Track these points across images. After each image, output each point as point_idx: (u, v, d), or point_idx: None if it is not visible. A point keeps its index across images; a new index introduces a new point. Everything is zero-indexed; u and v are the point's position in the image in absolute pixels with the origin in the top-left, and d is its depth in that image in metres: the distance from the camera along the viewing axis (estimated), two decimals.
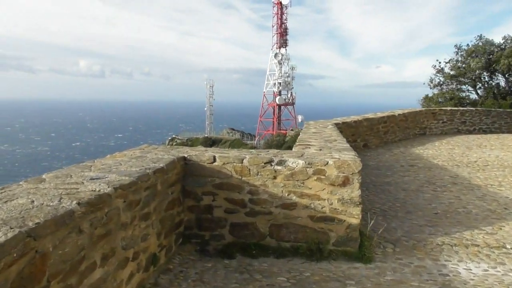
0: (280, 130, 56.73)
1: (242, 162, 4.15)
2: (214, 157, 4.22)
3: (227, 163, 4.17)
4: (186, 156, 4.29)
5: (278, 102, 57.99)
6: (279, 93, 58.64)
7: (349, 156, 4.34)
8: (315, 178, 4.07)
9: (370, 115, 11.55)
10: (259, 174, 4.14)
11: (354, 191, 3.99)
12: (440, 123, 14.11)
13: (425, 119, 13.73)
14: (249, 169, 4.14)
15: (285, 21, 59.03)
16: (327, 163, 4.07)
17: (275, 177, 4.12)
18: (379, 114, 11.83)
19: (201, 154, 4.29)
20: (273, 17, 58.77)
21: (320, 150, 4.83)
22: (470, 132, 14.55)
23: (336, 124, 9.33)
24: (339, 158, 4.15)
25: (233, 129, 61.43)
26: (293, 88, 59.75)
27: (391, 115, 11.86)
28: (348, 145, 5.46)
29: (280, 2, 57.63)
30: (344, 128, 9.71)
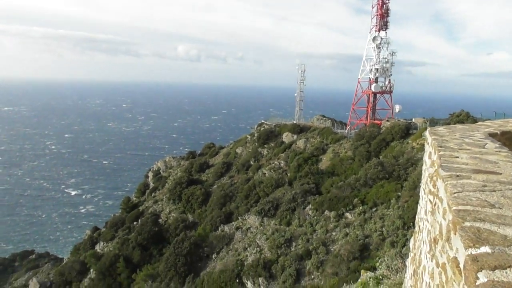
0: (374, 120, 52.00)
1: None
2: None
3: None
4: None
5: (373, 90, 52.92)
6: (376, 80, 53.48)
7: None
8: None
9: None
10: None
11: None
12: None
13: None
14: None
15: (387, 1, 53.20)
16: None
17: None
18: None
19: None
20: None
21: None
22: None
23: (492, 136, 5.70)
24: None
25: (323, 116, 57.84)
26: (391, 75, 54.16)
27: None
28: None
29: None
30: (509, 145, 5.94)
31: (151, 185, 55.15)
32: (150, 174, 58.59)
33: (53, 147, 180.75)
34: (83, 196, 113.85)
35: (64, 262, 47.01)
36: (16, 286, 48.87)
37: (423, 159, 6.59)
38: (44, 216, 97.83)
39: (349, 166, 35.18)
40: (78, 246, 48.25)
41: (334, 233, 24.50)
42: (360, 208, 25.63)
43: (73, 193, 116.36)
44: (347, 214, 25.88)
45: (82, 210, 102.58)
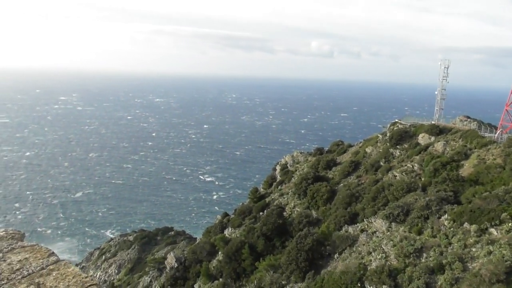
0: None
1: None
2: None
3: None
4: None
5: None
6: None
7: None
8: None
9: None
10: None
11: None
12: None
13: None
14: None
15: None
16: None
17: None
18: None
19: None
20: None
21: None
22: None
23: None
24: None
25: (468, 117, 51.80)
26: None
27: None
28: None
29: None
30: None
31: (278, 178, 56.59)
32: (278, 168, 60.14)
33: (193, 136, 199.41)
34: (216, 183, 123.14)
35: (197, 242, 51.38)
36: (157, 256, 55.18)
37: None
38: (182, 198, 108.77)
39: (498, 175, 30.77)
40: (209, 229, 52.18)
41: (474, 249, 21.67)
42: (510, 224, 22.16)
43: (207, 179, 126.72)
44: (492, 230, 22.63)
45: (214, 197, 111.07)
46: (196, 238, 61.01)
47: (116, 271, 58.20)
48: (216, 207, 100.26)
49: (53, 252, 3.35)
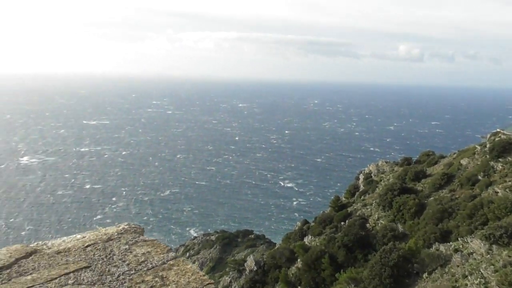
0: None
1: None
2: None
3: None
4: None
5: None
6: None
7: None
8: None
9: None
10: None
11: None
12: None
13: None
14: None
15: None
16: None
17: None
18: None
19: None
20: None
21: None
22: None
23: None
24: None
25: None
26: None
27: None
28: None
29: None
30: None
31: (361, 187, 54.66)
32: (361, 177, 58.12)
33: (274, 141, 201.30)
34: (296, 189, 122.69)
35: (276, 247, 51.46)
36: (237, 258, 56.31)
37: None
38: (262, 202, 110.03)
39: None
40: (289, 235, 52.01)
41: None
42: None
43: (287, 185, 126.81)
44: None
45: (294, 203, 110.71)
46: (275, 243, 61.19)
47: (199, 269, 60.46)
48: (295, 214, 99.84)
49: (170, 248, 3.42)
